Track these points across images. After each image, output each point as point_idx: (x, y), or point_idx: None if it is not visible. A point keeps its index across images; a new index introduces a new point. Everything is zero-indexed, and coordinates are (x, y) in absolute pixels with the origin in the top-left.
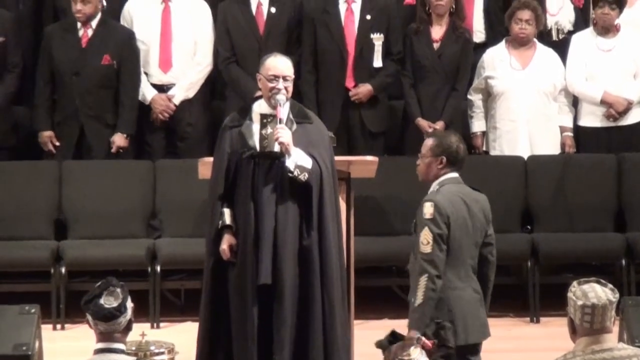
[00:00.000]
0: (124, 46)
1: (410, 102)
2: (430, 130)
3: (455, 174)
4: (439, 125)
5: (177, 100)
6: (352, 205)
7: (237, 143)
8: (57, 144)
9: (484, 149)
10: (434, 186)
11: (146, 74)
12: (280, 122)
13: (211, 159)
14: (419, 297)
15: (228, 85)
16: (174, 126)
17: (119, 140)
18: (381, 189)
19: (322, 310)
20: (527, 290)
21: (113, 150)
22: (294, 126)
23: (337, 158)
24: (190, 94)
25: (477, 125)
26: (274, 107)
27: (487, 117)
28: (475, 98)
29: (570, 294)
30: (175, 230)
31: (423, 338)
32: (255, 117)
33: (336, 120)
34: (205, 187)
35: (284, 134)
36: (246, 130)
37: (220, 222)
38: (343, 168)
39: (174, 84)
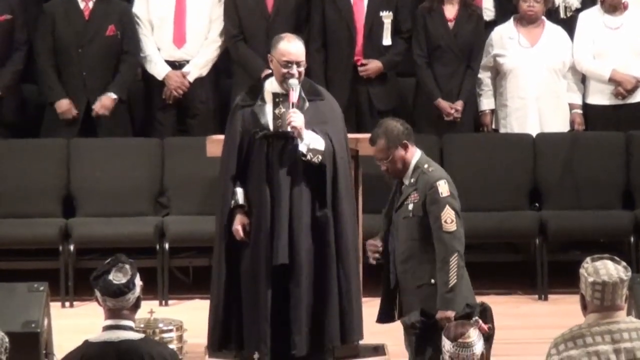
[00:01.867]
0: (124, 16)
1: (428, 82)
2: (452, 111)
3: (419, 150)
4: (459, 105)
5: (191, 78)
6: (361, 183)
7: (249, 122)
8: (76, 111)
9: (493, 126)
10: (422, 167)
11: (159, 50)
12: (292, 107)
13: (220, 136)
14: (452, 278)
15: (235, 63)
16: (187, 103)
17: (105, 100)
18: None
19: (339, 287)
20: (535, 267)
21: (94, 111)
22: (306, 104)
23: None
24: (205, 71)
25: (486, 103)
26: (287, 91)
27: (496, 94)
28: (484, 76)
29: (582, 270)
30: (183, 208)
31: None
32: (268, 96)
33: (344, 98)
34: (214, 165)
35: (296, 118)
36: (259, 110)
37: (233, 201)
38: (351, 146)
39: (186, 61)
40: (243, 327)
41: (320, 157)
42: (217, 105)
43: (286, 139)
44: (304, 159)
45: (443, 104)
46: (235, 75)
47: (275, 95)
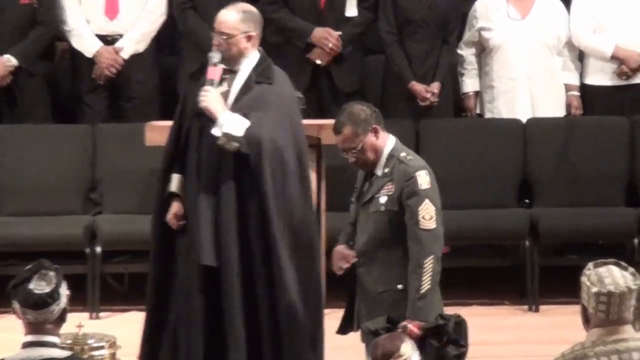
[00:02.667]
0: None
1: (400, 63)
2: (428, 95)
3: (393, 137)
4: (435, 87)
5: (126, 54)
6: (324, 176)
7: (193, 101)
8: None
9: (477, 111)
10: (397, 155)
11: (88, 22)
12: (211, 84)
13: (161, 123)
14: (424, 283)
15: (183, 37)
16: (120, 84)
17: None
18: None
19: (272, 301)
20: (524, 273)
21: None
22: (252, 85)
23: (306, 122)
24: (141, 47)
25: (470, 84)
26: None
27: (481, 74)
28: (467, 53)
29: (584, 279)
30: (118, 206)
31: (409, 325)
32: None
33: (305, 79)
34: (153, 156)
35: (207, 96)
36: (198, 88)
37: (168, 188)
38: (313, 133)
39: (119, 35)
40: (176, 340)
41: (235, 144)
42: (158, 86)
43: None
44: (218, 143)
45: (418, 87)
46: (183, 51)
47: (225, 71)
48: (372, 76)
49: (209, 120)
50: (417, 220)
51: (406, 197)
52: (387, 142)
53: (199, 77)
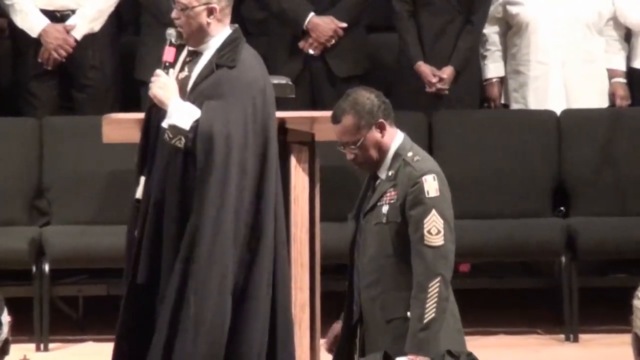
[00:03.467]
0: None
1: (408, 38)
2: (435, 80)
3: (401, 133)
4: (447, 72)
5: (78, 34)
6: (318, 180)
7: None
8: None
9: (502, 101)
10: (404, 155)
11: None
12: (165, 67)
13: (121, 116)
14: (428, 310)
15: (144, 13)
16: (72, 70)
17: None
18: None
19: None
20: (560, 296)
21: None
22: (212, 69)
23: (296, 114)
24: (97, 25)
25: (493, 69)
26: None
27: (507, 57)
28: (490, 31)
29: (636, 302)
30: (70, 215)
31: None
32: (182, 55)
33: (296, 64)
34: (112, 155)
35: (156, 82)
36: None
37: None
38: (304, 127)
39: (70, 10)
40: None
41: (182, 139)
42: (117, 72)
43: None
44: (164, 139)
45: (424, 68)
46: (143, 27)
47: (188, 52)
48: (379, 58)
49: (163, 112)
50: (422, 235)
51: (410, 207)
52: (395, 139)
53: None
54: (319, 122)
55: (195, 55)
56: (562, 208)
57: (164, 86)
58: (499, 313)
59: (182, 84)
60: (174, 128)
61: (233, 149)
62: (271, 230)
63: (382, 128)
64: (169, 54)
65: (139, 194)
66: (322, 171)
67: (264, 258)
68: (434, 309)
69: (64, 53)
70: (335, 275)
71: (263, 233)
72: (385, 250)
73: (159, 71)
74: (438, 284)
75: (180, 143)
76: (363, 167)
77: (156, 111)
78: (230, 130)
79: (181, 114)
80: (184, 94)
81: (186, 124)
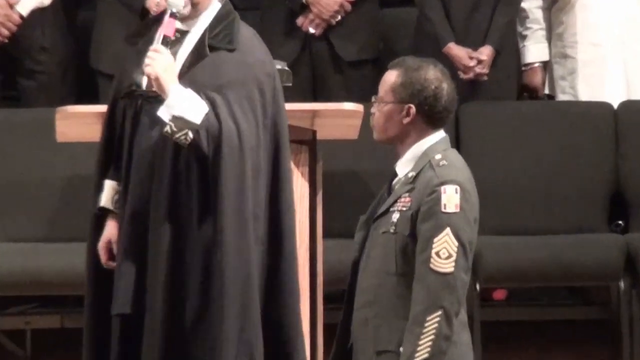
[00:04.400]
0: None
1: (433, 15)
2: (472, 63)
3: (443, 133)
4: (486, 52)
5: (24, 9)
6: (320, 187)
7: (127, 71)
8: None
9: (546, 91)
10: (431, 156)
11: None
12: (165, 43)
13: (78, 108)
14: (422, 349)
15: None
16: (17, 52)
17: None
18: (370, 158)
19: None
20: (619, 328)
21: None
22: (205, 53)
23: (293, 106)
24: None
25: (534, 51)
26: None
27: (552, 38)
28: (531, 5)
29: None
30: (16, 230)
31: None
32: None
33: (294, 46)
34: (68, 156)
35: (156, 59)
36: (138, 55)
37: (98, 202)
38: (304, 123)
39: None
40: None
41: (190, 134)
42: (72, 56)
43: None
44: (163, 131)
45: (457, 51)
46: (99, 3)
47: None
48: (394, 38)
49: (149, 100)
50: (429, 256)
51: (421, 219)
52: (430, 136)
53: (136, 33)
54: (322, 115)
55: (180, 34)
56: (619, 222)
57: (167, 67)
58: (542, 349)
59: None
60: (179, 120)
61: (246, 150)
62: (292, 237)
63: (407, 115)
64: (169, 27)
65: (104, 201)
66: (325, 176)
67: (287, 267)
68: (428, 348)
69: (6, 32)
70: (341, 304)
71: (283, 240)
72: (387, 266)
73: (160, 46)
74: (438, 319)
75: (187, 138)
76: (374, 132)
77: (129, 102)
78: (241, 128)
79: (188, 105)
80: None
81: (197, 117)
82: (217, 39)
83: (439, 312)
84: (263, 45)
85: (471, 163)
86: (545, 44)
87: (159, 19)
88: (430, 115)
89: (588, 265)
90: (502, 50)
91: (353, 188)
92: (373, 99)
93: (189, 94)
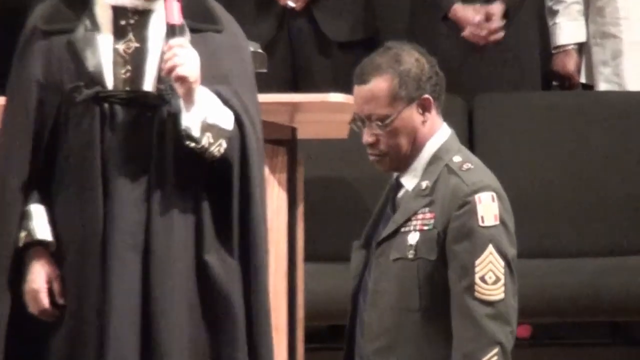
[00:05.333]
0: None
1: None
2: (479, 18)
3: (447, 127)
4: (495, 9)
5: None
6: (301, 198)
7: (60, 68)
8: None
9: (583, 79)
10: (446, 158)
11: None
12: (181, 33)
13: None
14: None
15: None
16: None
17: None
18: (362, 162)
19: None
20: None
21: None
22: (186, 36)
23: (268, 97)
24: None
25: (568, 31)
26: None
27: (589, 15)
28: None
29: None
30: None
31: None
32: (102, 12)
33: (269, 24)
34: None
35: (182, 56)
36: (82, 43)
37: (23, 234)
38: (282, 119)
39: None
40: None
41: (224, 143)
42: (4, 36)
43: (142, 107)
44: (191, 145)
45: (462, 11)
46: None
47: (118, 11)
48: (391, 15)
49: (123, 102)
50: (472, 283)
51: (454, 239)
52: (436, 134)
53: (58, 18)
54: (304, 109)
55: (139, 16)
56: None
57: (196, 65)
58: None
59: (132, 59)
60: (213, 129)
61: (255, 147)
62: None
63: (426, 108)
64: (172, 11)
65: (41, 232)
66: (308, 185)
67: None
68: None
69: None
70: (326, 343)
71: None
72: (406, 301)
73: (181, 40)
74: (496, 357)
75: (220, 150)
76: (383, 163)
77: (84, 107)
78: (257, 130)
79: (218, 109)
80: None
81: (229, 124)
82: (197, 19)
83: (496, 350)
84: (234, 20)
85: (491, 166)
86: (582, 22)
87: None
88: (440, 97)
89: (632, 296)
90: (517, 11)
91: (341, 199)
92: (360, 125)
93: (212, 95)
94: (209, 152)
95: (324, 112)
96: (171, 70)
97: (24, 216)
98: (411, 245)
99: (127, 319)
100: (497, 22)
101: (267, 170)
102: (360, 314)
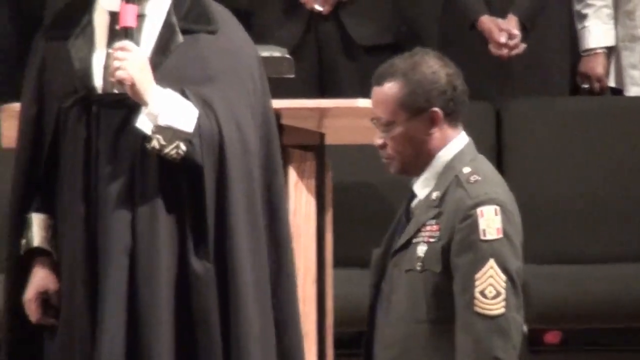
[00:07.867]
0: None
1: None
2: (503, 39)
3: (465, 136)
4: (512, 24)
5: None
6: (330, 204)
7: (58, 75)
8: None
9: (612, 83)
10: (458, 169)
11: None
12: (130, 36)
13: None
14: None
15: None
16: None
17: None
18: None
19: None
20: None
21: None
22: (177, 38)
23: (296, 103)
24: None
25: (597, 34)
26: None
27: (618, 17)
28: None
29: None
30: None
31: None
32: (99, 18)
33: (295, 28)
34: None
35: (126, 59)
36: (77, 48)
37: (23, 242)
38: (309, 124)
39: None
40: None
41: (182, 146)
42: (14, 43)
43: (130, 109)
44: (148, 146)
45: (489, 23)
46: None
47: (114, 16)
48: (419, 18)
49: (108, 106)
50: (472, 297)
51: (456, 252)
52: (451, 143)
53: (61, 24)
54: (331, 115)
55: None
56: None
57: (143, 67)
58: None
59: None
60: (167, 131)
61: (251, 160)
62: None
63: (434, 122)
64: (127, 15)
65: (38, 240)
66: (336, 191)
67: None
68: None
69: None
70: (355, 349)
71: (282, 263)
72: (415, 312)
73: (126, 43)
74: None
75: (178, 152)
76: (392, 166)
77: (76, 111)
78: (244, 129)
79: (175, 110)
80: None
81: (188, 125)
82: (190, 20)
83: None
84: (239, 24)
85: (514, 174)
86: (611, 25)
87: (87, 3)
88: (455, 111)
89: None
90: (532, 22)
91: (370, 205)
92: (374, 124)
93: (173, 96)
94: (165, 153)
95: (352, 118)
96: (113, 71)
97: (25, 224)
98: (419, 257)
99: (116, 322)
100: (516, 39)
101: (295, 176)
102: (377, 324)
